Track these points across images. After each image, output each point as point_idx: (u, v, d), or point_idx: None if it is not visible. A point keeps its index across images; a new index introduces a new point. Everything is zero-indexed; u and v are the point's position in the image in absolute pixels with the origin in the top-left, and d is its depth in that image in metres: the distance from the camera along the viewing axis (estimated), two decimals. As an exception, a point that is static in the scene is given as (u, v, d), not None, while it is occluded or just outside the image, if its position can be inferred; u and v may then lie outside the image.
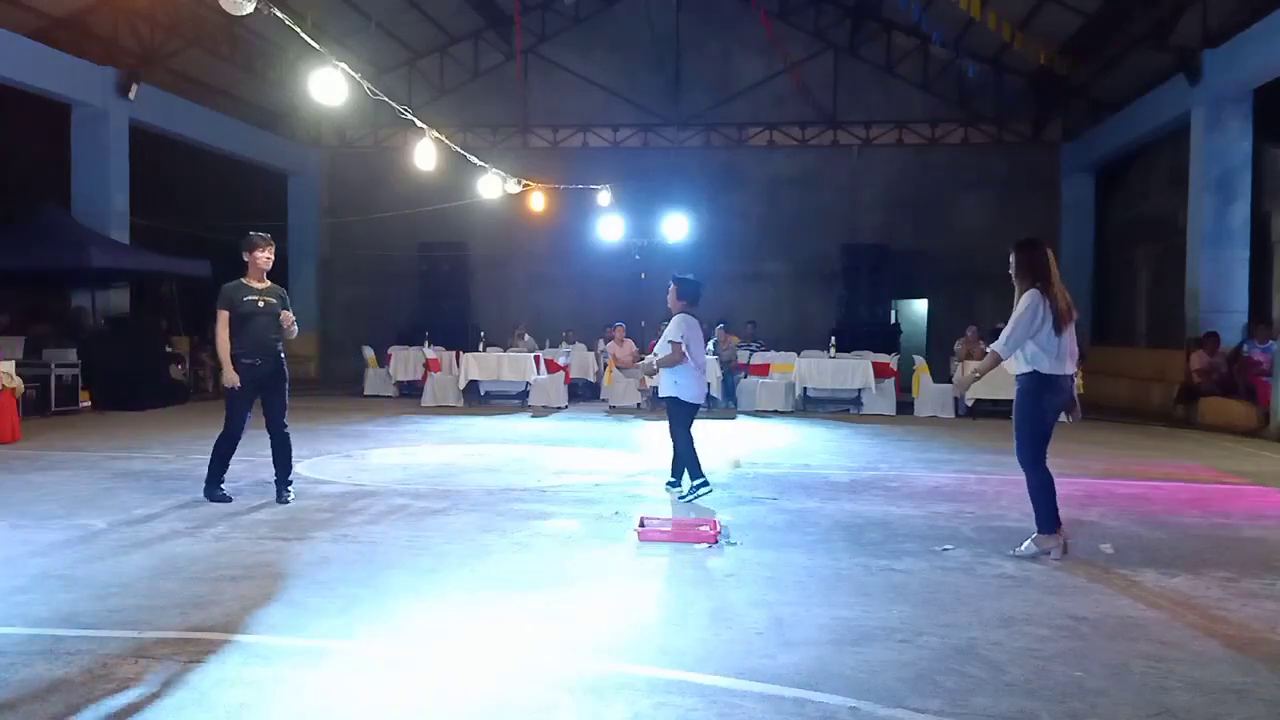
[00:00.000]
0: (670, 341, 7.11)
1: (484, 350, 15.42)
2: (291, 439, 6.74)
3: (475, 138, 20.24)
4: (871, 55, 20.07)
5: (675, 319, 7.20)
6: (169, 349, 14.77)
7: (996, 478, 8.04)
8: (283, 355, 6.71)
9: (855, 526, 6.00)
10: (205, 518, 6.04)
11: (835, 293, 19.07)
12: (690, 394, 7.12)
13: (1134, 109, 16.31)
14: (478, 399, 15.17)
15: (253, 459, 7.67)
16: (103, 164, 15.17)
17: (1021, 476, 5.34)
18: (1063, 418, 5.41)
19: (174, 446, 9.40)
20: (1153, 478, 8.22)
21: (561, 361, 15.20)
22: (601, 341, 16.50)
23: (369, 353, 16.87)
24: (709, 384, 13.69)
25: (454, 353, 15.53)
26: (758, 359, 15.27)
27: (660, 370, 7.23)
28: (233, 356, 6.45)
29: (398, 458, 9.12)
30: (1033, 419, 5.22)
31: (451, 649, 3.67)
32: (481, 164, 13.47)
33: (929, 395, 14.16)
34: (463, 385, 14.74)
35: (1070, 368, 5.22)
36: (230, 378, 6.43)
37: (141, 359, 13.69)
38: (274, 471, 6.70)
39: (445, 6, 19.12)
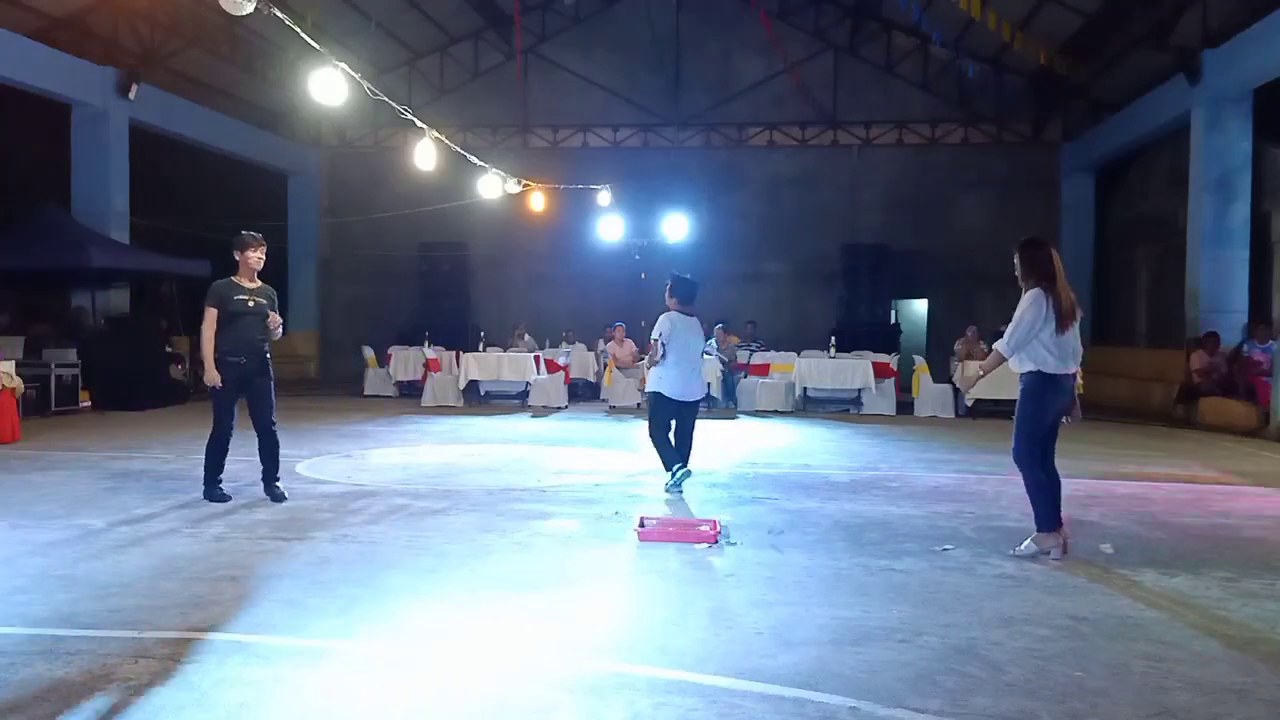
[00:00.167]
0: (651, 339, 7.36)
1: (484, 350, 15.42)
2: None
3: (475, 138, 20.25)
4: (871, 55, 20.07)
5: (660, 317, 7.38)
6: (169, 349, 14.76)
7: (996, 478, 8.03)
8: (268, 355, 6.71)
9: (855, 526, 6.00)
10: (205, 518, 6.04)
11: (835, 293, 19.07)
12: (670, 389, 7.24)
13: (1134, 109, 16.31)
14: (478, 399, 15.17)
15: (252, 459, 7.60)
16: (103, 164, 15.17)
17: (1021, 476, 5.35)
18: (1063, 419, 5.41)
19: (174, 446, 9.40)
20: (1153, 478, 8.21)
21: (561, 361, 15.20)
22: (601, 341, 16.50)
23: (369, 353, 16.88)
24: (709, 384, 13.74)
25: (454, 353, 15.53)
26: (758, 359, 15.27)
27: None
28: (218, 355, 6.45)
29: (398, 458, 9.12)
30: (1033, 419, 5.23)
31: (451, 649, 3.67)
32: (481, 164, 13.47)
33: (929, 395, 14.16)
34: (463, 385, 14.74)
35: (1073, 367, 5.23)
36: (212, 376, 6.42)
37: (141, 359, 13.68)
38: (262, 468, 6.71)
39: (445, 6, 19.12)
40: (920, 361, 14.76)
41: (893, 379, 14.47)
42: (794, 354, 14.98)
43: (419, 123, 11.00)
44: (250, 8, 6.75)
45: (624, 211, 17.58)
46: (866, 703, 3.14)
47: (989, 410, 13.25)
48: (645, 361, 7.58)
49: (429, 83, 21.18)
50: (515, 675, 3.39)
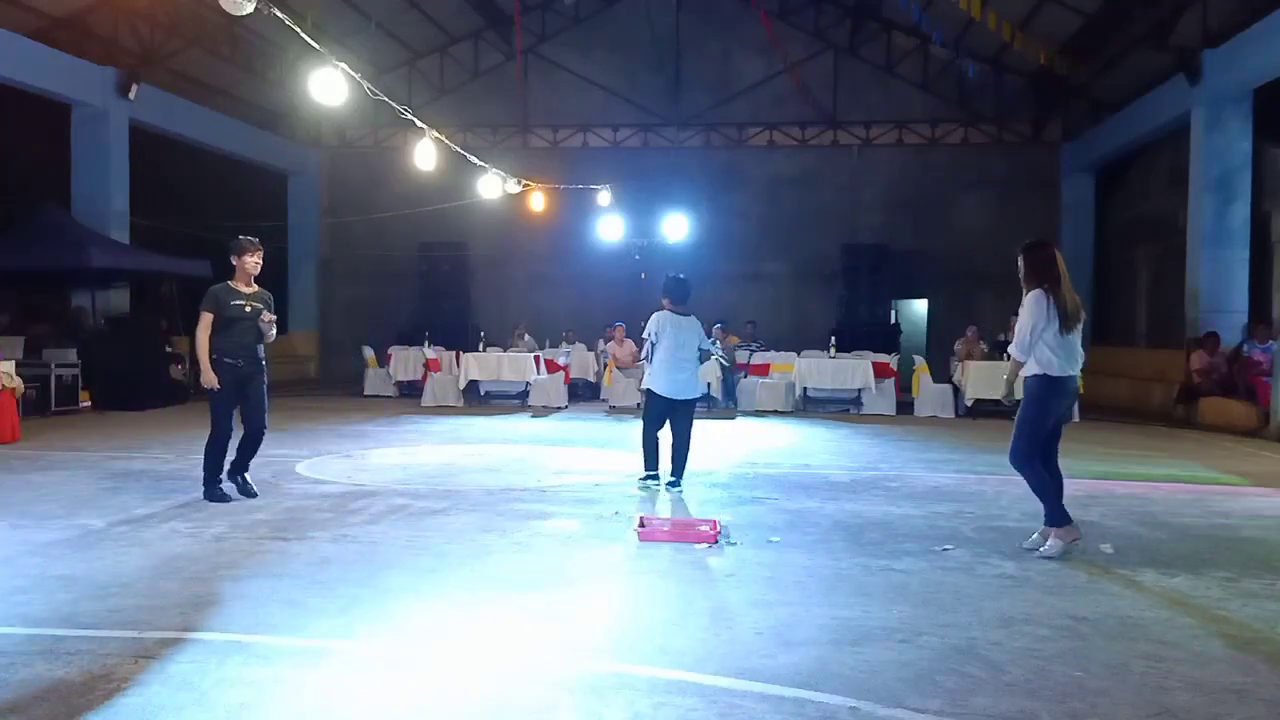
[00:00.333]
0: (641, 337, 7.60)
1: (484, 350, 15.42)
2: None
3: (475, 138, 20.25)
4: (871, 55, 20.07)
5: (652, 315, 7.52)
6: (169, 349, 14.75)
7: (996, 478, 8.03)
8: (263, 359, 6.74)
9: (855, 526, 6.01)
10: (205, 518, 6.04)
11: (835, 293, 19.08)
12: (660, 386, 7.37)
13: (1134, 109, 16.32)
14: (478, 399, 15.17)
15: (253, 458, 7.65)
16: (103, 164, 15.18)
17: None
18: None
19: (174, 446, 9.40)
20: (1153, 478, 8.21)
21: (561, 361, 15.20)
22: (601, 341, 16.50)
23: (369, 353, 16.88)
24: (709, 384, 13.78)
25: (454, 353, 15.54)
26: (758, 359, 15.26)
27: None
28: (215, 358, 6.47)
29: (398, 458, 9.12)
30: (1035, 421, 5.24)
31: (451, 649, 3.67)
32: (481, 164, 13.47)
33: (929, 395, 14.16)
34: (463, 385, 14.74)
35: (1076, 369, 5.24)
36: (209, 379, 6.45)
37: (141, 359, 13.68)
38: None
39: (445, 6, 19.13)
40: (920, 361, 14.76)
41: (893, 379, 14.47)
42: (794, 354, 14.98)
43: (419, 123, 11.00)
44: (250, 8, 6.75)
45: (624, 211, 17.59)
46: (866, 703, 3.14)
47: (989, 410, 13.25)
48: (644, 361, 7.67)
49: (429, 83, 21.18)
50: (515, 675, 3.39)
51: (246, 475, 6.80)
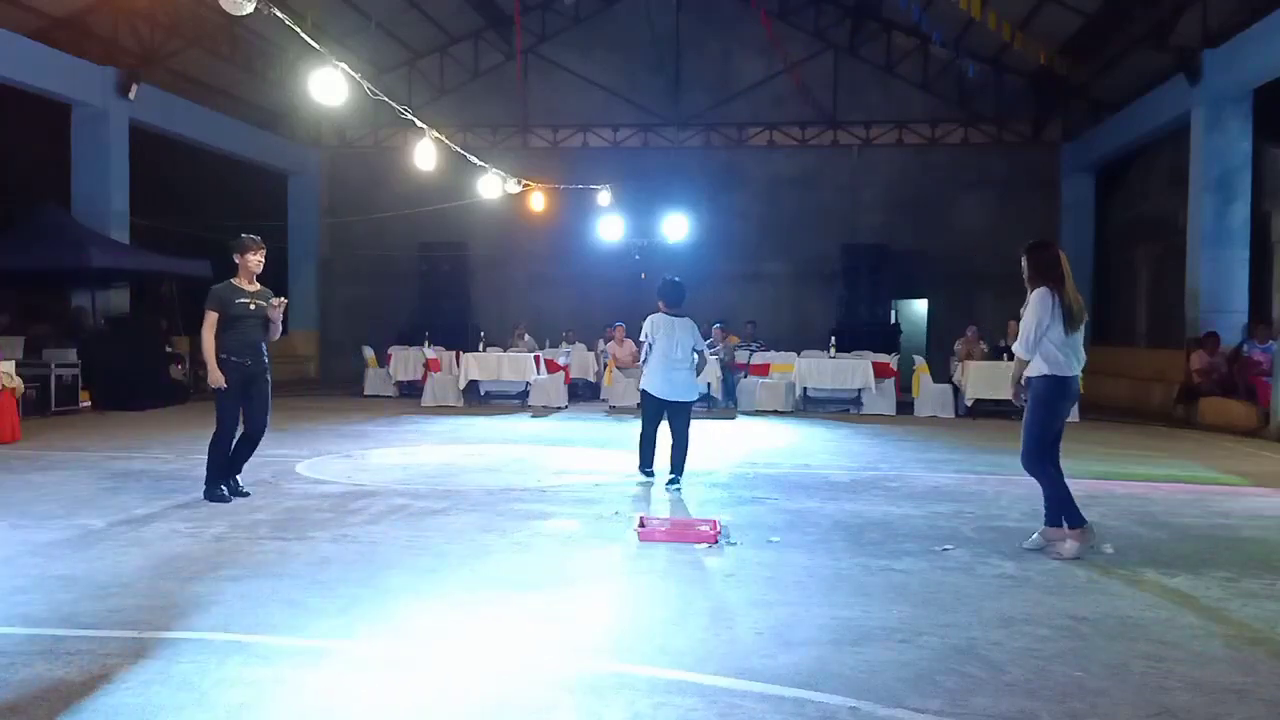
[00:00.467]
0: (637, 340, 7.80)
1: (484, 350, 15.42)
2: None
3: (475, 138, 20.25)
4: (871, 55, 20.07)
5: (646, 318, 7.64)
6: (169, 349, 14.76)
7: (996, 478, 8.04)
8: (268, 358, 6.75)
9: (855, 526, 6.00)
10: (205, 518, 6.04)
11: (835, 293, 19.08)
12: (654, 387, 7.49)
13: (1134, 109, 16.32)
14: (478, 399, 15.17)
15: (253, 459, 7.65)
16: (103, 164, 15.18)
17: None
18: None
19: (174, 446, 9.40)
20: (1153, 478, 8.21)
21: (561, 361, 15.20)
22: (601, 341, 16.50)
23: (369, 353, 16.88)
24: (709, 384, 13.81)
25: (454, 353, 15.54)
26: (758, 359, 15.26)
27: None
28: (221, 357, 6.47)
29: (398, 458, 9.12)
30: (1044, 422, 5.23)
31: (451, 649, 3.67)
32: (481, 164, 13.48)
33: (929, 395, 14.16)
34: (463, 385, 14.74)
35: (1080, 369, 5.25)
36: (216, 378, 6.46)
37: (141, 359, 13.68)
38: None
39: (445, 6, 19.13)
40: (920, 361, 14.76)
41: (893, 379, 14.47)
42: (794, 354, 14.98)
43: (419, 123, 11.00)
44: (250, 8, 6.75)
45: (624, 211, 17.59)
46: (866, 703, 3.14)
47: (989, 410, 13.26)
48: (643, 364, 7.76)
49: (429, 83, 21.19)
50: (515, 675, 3.39)
51: (238, 477, 6.79)
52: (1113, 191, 18.87)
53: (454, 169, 13.70)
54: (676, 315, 7.56)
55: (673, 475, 7.42)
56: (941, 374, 14.87)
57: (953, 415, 13.85)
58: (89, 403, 13.14)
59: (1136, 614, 4.20)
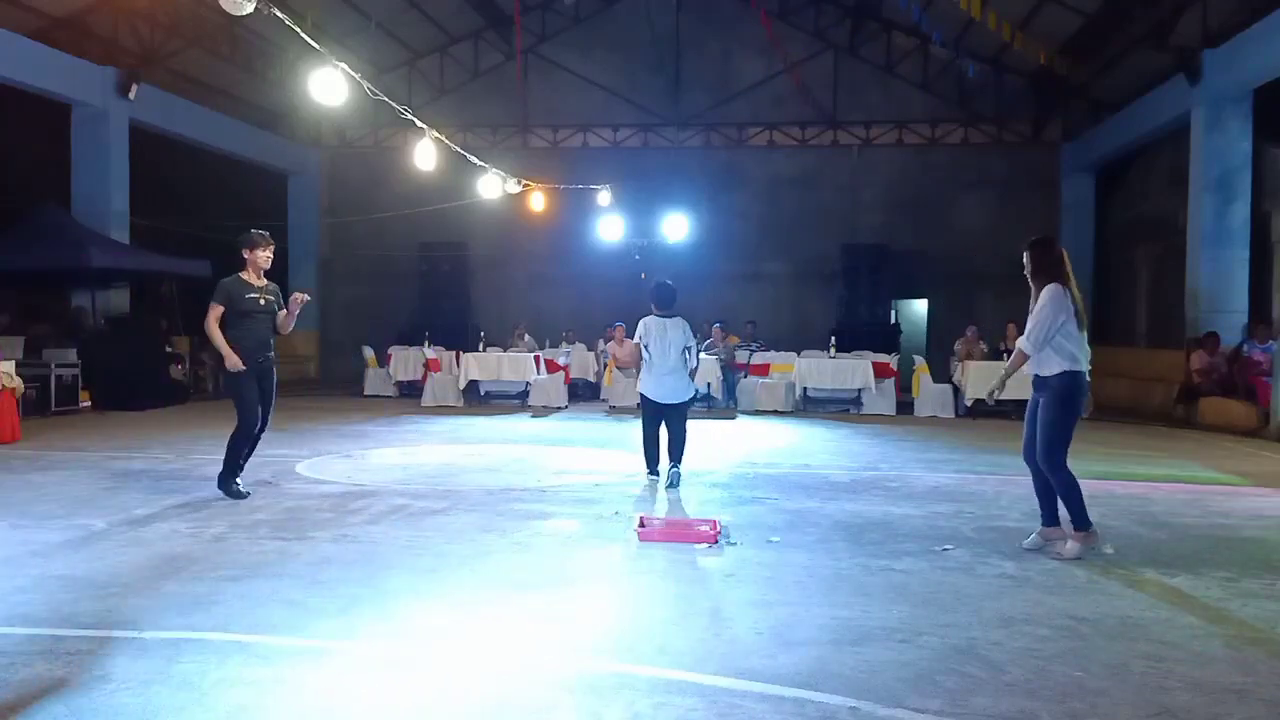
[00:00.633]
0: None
1: (484, 350, 15.42)
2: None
3: (475, 138, 20.24)
4: (871, 55, 20.07)
5: (639, 322, 7.75)
6: (169, 349, 14.77)
7: (996, 478, 8.04)
8: (274, 354, 6.79)
9: (855, 526, 6.00)
10: (205, 518, 6.04)
11: (835, 293, 19.07)
12: (649, 390, 7.64)
13: (1134, 109, 16.31)
14: (478, 399, 15.17)
15: (256, 458, 7.65)
16: (103, 164, 15.17)
17: (1022, 477, 5.35)
18: None
19: (174, 446, 9.40)
20: (1153, 478, 8.21)
21: (561, 361, 15.20)
22: (601, 341, 16.50)
23: (369, 353, 16.88)
24: (708, 384, 13.83)
25: (454, 353, 15.54)
26: (758, 359, 15.27)
27: None
28: (231, 348, 6.49)
29: (398, 458, 9.12)
30: (1065, 421, 5.20)
31: (451, 649, 3.67)
32: (481, 164, 13.47)
33: (929, 395, 14.16)
34: (463, 385, 14.74)
35: (1088, 364, 5.26)
36: (234, 361, 6.46)
37: (141, 359, 13.69)
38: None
39: (445, 6, 19.12)
40: (920, 361, 14.76)
41: (893, 379, 14.47)
42: (794, 354, 14.99)
43: (419, 123, 11.00)
44: (250, 8, 6.75)
45: (624, 211, 17.58)
46: (866, 703, 3.14)
47: (989, 410, 13.20)
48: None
49: (429, 83, 21.18)
50: (515, 675, 3.39)
51: (239, 477, 6.79)
52: (1113, 191, 18.87)
53: (454, 169, 13.69)
54: (668, 316, 7.67)
55: (672, 465, 7.57)
56: (941, 374, 14.87)
57: (953, 415, 13.85)
58: (89, 403, 13.14)
59: (1136, 614, 4.20)
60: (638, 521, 5.76)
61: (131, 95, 15.28)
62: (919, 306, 20.84)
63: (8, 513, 6.10)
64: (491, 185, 13.80)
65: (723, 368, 14.54)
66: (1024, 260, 5.36)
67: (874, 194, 20.27)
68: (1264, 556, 5.36)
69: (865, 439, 11.10)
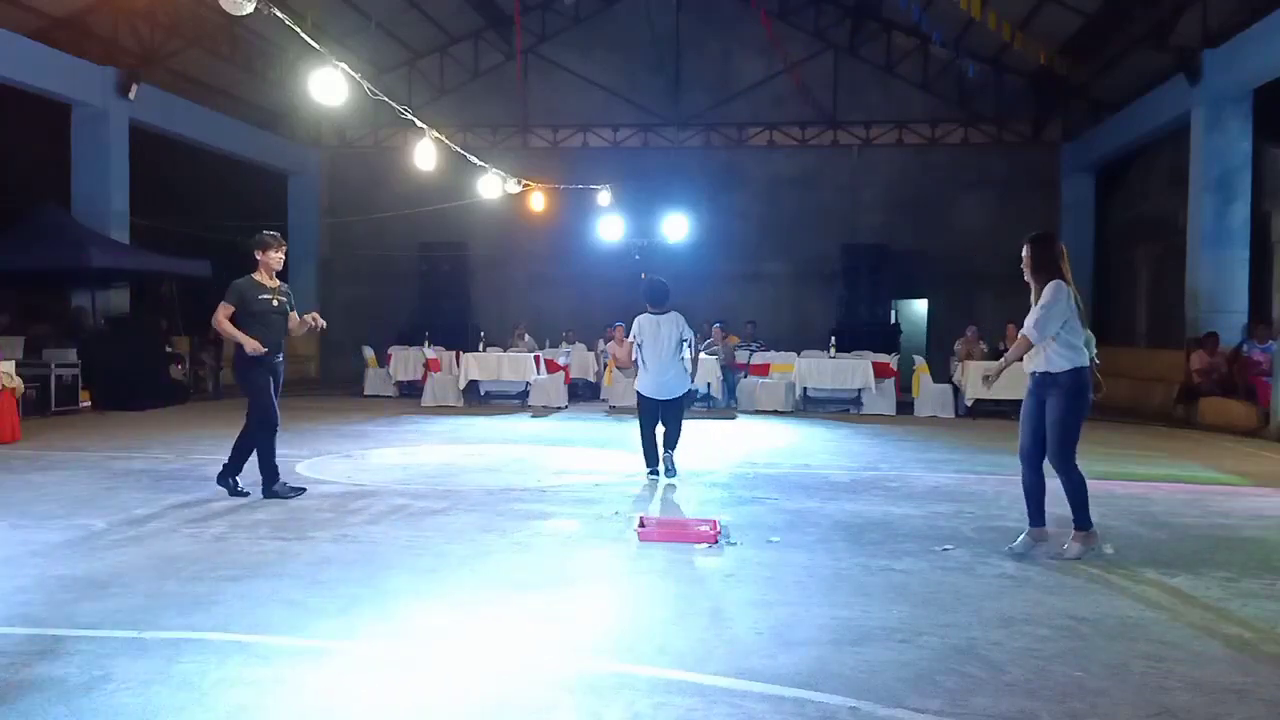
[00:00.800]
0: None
1: (484, 350, 15.42)
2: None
3: (475, 138, 20.24)
4: (871, 55, 20.07)
5: (634, 320, 7.86)
6: (169, 349, 14.76)
7: (996, 478, 8.04)
8: (284, 355, 6.81)
9: (855, 526, 6.00)
10: (205, 518, 6.04)
11: (835, 293, 19.07)
12: (646, 388, 7.75)
13: (1134, 109, 16.31)
14: (478, 399, 15.17)
15: (252, 458, 7.65)
16: (103, 164, 15.17)
17: (1021, 476, 5.35)
18: None
19: (174, 446, 9.40)
20: (1153, 478, 8.21)
21: (561, 361, 15.20)
22: (601, 341, 16.50)
23: (369, 353, 16.88)
24: (709, 384, 13.84)
25: (454, 353, 15.54)
26: (758, 359, 15.27)
27: None
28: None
29: (398, 458, 9.12)
30: (1074, 419, 5.18)
31: (451, 649, 3.67)
32: (481, 164, 13.47)
33: (929, 395, 14.15)
34: (463, 385, 14.74)
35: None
36: (253, 345, 6.46)
37: (141, 359, 13.69)
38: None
39: (445, 6, 19.12)
40: (920, 361, 14.76)
41: (893, 379, 14.47)
42: (794, 354, 14.98)
43: (419, 123, 11.00)
44: (250, 8, 6.75)
45: (624, 211, 17.58)
46: (866, 703, 3.14)
47: (989, 410, 13.24)
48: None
49: (429, 83, 21.18)
50: (515, 675, 3.39)
51: (238, 477, 6.81)
52: (1113, 191, 18.87)
53: (454, 169, 13.69)
54: (661, 313, 7.72)
55: (666, 450, 7.68)
56: (941, 374, 14.86)
57: (953, 415, 13.84)
58: (89, 403, 13.14)
59: (1136, 614, 4.20)
60: (638, 521, 5.76)
61: (131, 95, 15.28)
62: (919, 306, 20.84)
63: (8, 513, 6.10)
64: (491, 185, 13.80)
65: (723, 368, 14.54)
66: (1023, 256, 5.35)
67: (874, 194, 20.27)
68: (1264, 556, 5.36)
69: (865, 439, 11.09)
